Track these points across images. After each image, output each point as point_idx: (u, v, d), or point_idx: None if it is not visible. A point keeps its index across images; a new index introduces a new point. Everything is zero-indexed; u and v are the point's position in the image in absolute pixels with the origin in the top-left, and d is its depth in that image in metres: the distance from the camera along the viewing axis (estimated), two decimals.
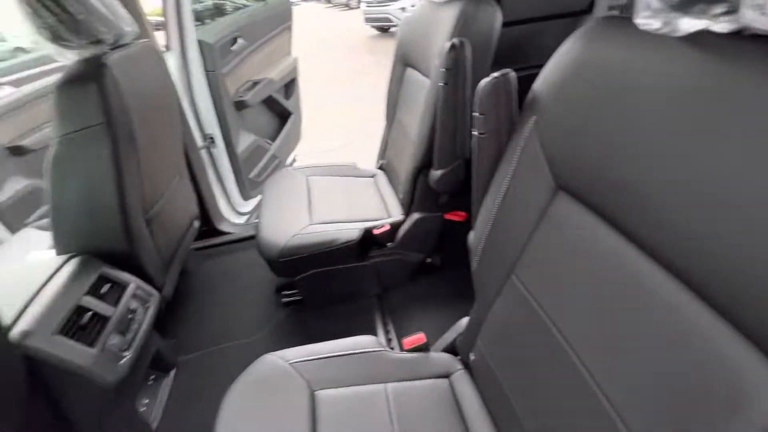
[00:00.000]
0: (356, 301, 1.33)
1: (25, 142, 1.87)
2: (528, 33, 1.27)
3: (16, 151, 1.86)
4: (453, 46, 0.87)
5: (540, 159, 0.56)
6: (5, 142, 1.82)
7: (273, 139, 2.18)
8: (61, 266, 0.93)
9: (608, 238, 0.46)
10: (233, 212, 1.97)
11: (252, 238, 1.79)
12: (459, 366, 0.81)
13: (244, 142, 1.94)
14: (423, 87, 1.17)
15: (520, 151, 0.60)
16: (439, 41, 1.02)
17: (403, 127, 1.33)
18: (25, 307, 0.81)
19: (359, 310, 1.31)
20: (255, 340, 1.29)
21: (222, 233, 1.82)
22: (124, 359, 0.89)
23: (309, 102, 2.54)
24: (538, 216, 0.57)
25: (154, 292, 1.08)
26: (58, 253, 1.00)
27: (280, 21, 2.16)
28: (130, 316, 0.96)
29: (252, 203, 2.10)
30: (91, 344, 0.83)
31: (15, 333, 0.75)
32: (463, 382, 0.77)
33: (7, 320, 0.75)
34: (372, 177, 1.56)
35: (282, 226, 1.22)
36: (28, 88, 1.99)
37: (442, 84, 0.92)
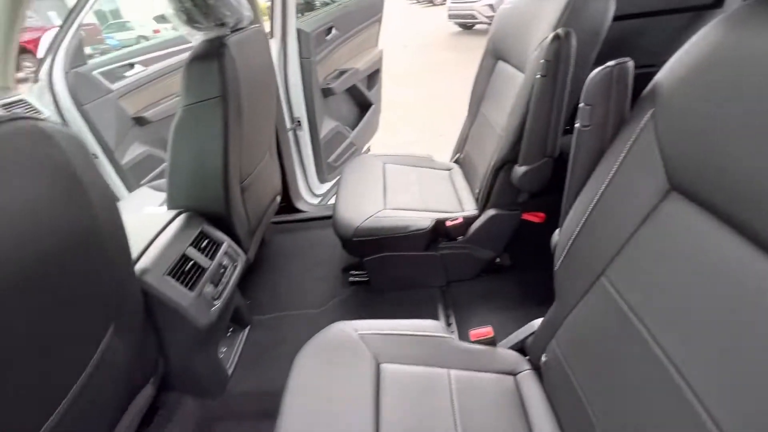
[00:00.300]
0: (420, 290, 1.35)
1: (147, 114, 2.16)
2: (636, 29, 1.17)
3: (139, 121, 2.15)
4: (557, 37, 0.84)
5: (654, 155, 0.52)
6: (132, 113, 2.12)
7: (352, 127, 2.27)
8: (172, 220, 1.07)
9: (732, 246, 0.42)
10: (310, 193, 2.09)
11: (324, 218, 1.90)
12: (527, 366, 0.79)
13: (327, 127, 2.05)
14: (514, 80, 1.13)
15: (630, 147, 0.56)
16: (540, 33, 0.98)
17: (487, 121, 1.31)
18: (144, 250, 0.95)
19: (422, 299, 1.32)
20: (321, 311, 1.37)
21: (298, 211, 1.95)
22: (215, 307, 1.00)
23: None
24: (643, 216, 0.53)
25: (241, 253, 1.19)
26: (169, 208, 1.14)
27: (371, 13, 2.23)
28: (221, 270, 1.08)
29: (326, 186, 2.21)
30: (190, 288, 0.95)
31: (136, 269, 0.88)
32: (530, 383, 0.75)
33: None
34: (447, 170, 1.55)
35: (358, 207, 1.28)
36: (151, 69, 2.29)
37: (539, 76, 0.89)
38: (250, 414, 1.07)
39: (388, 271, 1.32)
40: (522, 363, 0.80)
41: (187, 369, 1.04)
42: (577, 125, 0.63)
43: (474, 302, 1.30)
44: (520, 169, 1.03)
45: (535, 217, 1.18)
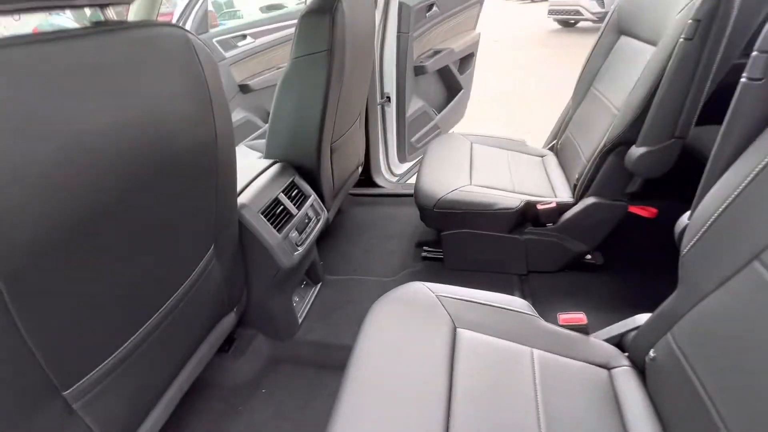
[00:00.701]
0: (496, 275, 1.28)
1: (251, 82, 2.33)
2: None
3: (243, 89, 2.33)
4: None
5: None
6: (238, 81, 2.31)
7: (439, 110, 2.23)
8: (268, 167, 1.14)
9: None
10: (389, 170, 2.10)
11: (402, 196, 1.89)
12: (625, 362, 0.70)
13: (414, 106, 2.03)
14: (642, 55, 1.00)
15: None
16: None
17: (600, 100, 1.18)
18: (243, 188, 1.02)
19: (498, 284, 1.25)
20: (392, 280, 1.37)
21: (375, 185, 1.97)
22: (297, 252, 1.04)
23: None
24: None
25: (324, 210, 1.23)
26: (266, 157, 1.21)
27: None
28: (306, 220, 1.12)
29: (406, 166, 2.20)
30: (278, 230, 1.00)
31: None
32: (628, 379, 0.66)
33: None
34: (540, 157, 1.45)
35: (442, 179, 1.24)
36: (258, 41, 2.47)
37: (683, 38, 0.77)
38: (315, 362, 1.11)
39: (466, 249, 1.27)
40: (619, 358, 0.70)
41: (265, 307, 1.10)
42: (743, 79, 0.53)
43: (555, 297, 1.20)
44: (637, 151, 0.91)
45: (644, 212, 1.05)
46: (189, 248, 0.71)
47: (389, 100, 1.92)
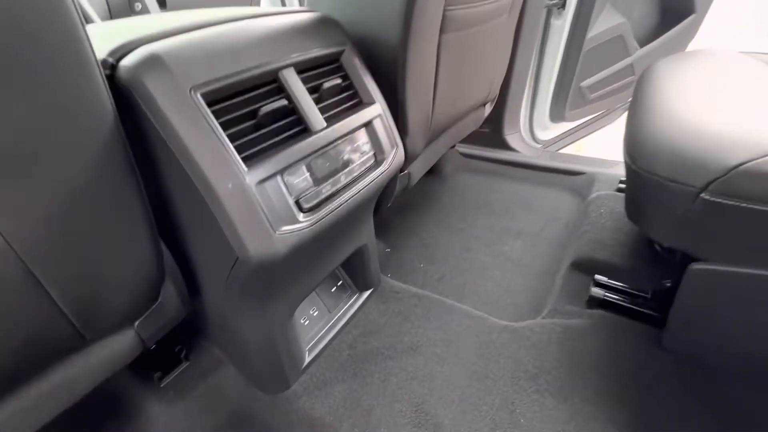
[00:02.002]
0: None
1: None
2: None
3: None
4: None
5: None
6: None
7: (642, 41, 1.31)
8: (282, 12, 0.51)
9: None
10: (529, 129, 1.32)
11: (549, 170, 1.11)
12: None
13: (605, 23, 1.18)
14: None
15: None
16: None
17: None
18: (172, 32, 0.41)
19: None
20: (512, 328, 0.66)
21: (504, 147, 1.22)
22: (299, 226, 0.41)
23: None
24: None
25: (400, 147, 0.56)
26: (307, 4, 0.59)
27: None
28: (344, 157, 0.47)
29: (556, 131, 1.39)
30: (250, 159, 0.37)
31: None
32: None
33: None
34: None
35: (718, 134, 0.45)
36: None
37: None
38: None
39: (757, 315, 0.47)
40: None
41: (226, 326, 0.52)
42: None
43: None
44: None
45: None
46: None
47: (563, 4, 1.11)
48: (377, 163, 0.51)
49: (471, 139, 1.19)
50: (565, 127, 1.39)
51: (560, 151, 1.32)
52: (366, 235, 0.64)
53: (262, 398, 0.58)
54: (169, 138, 0.34)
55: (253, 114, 0.40)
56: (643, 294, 0.62)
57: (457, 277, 0.81)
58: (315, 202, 0.43)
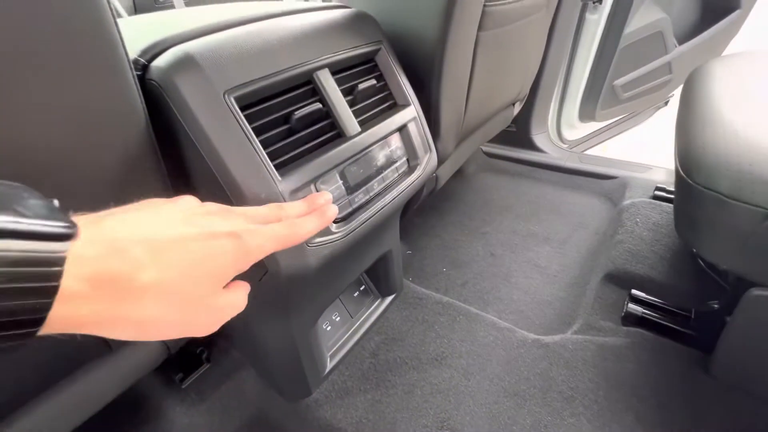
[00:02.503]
0: None
1: None
2: None
3: None
4: None
5: None
6: None
7: (681, 39, 1.25)
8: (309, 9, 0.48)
9: None
10: (556, 128, 1.27)
11: (577, 173, 1.07)
12: None
13: (642, 18, 1.11)
14: None
15: None
16: None
17: None
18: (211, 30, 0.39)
19: None
20: (543, 343, 0.63)
21: (530, 146, 1.18)
22: (335, 237, 0.39)
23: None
24: None
25: (434, 151, 0.53)
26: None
27: None
28: (376, 164, 0.45)
29: (584, 130, 1.33)
30: (283, 167, 0.35)
31: None
32: None
33: None
34: None
35: None
36: None
37: None
38: None
39: None
40: None
41: (249, 334, 0.50)
42: None
43: None
44: None
45: None
46: None
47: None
48: (410, 169, 0.49)
49: (496, 138, 1.15)
50: (593, 126, 1.34)
51: (588, 152, 1.27)
52: (392, 240, 0.62)
53: (283, 404, 0.56)
54: (201, 143, 0.32)
55: (286, 118, 0.37)
56: (684, 313, 0.58)
57: (482, 283, 0.78)
58: (348, 211, 0.41)
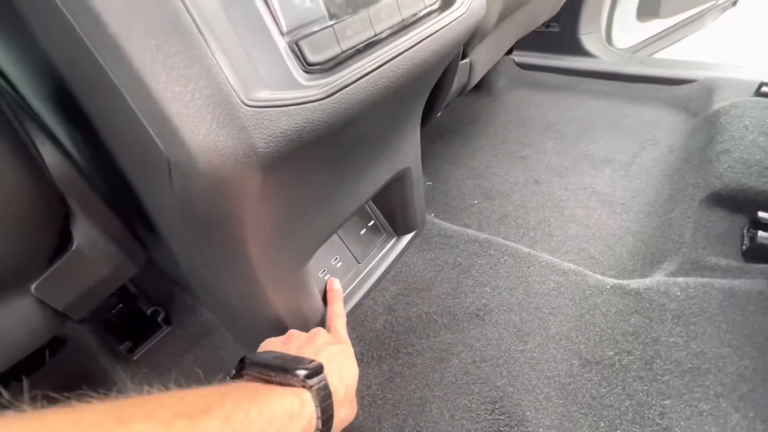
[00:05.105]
0: None
1: None
2: None
3: None
4: None
5: None
6: None
7: None
8: None
9: None
10: (605, 32, 1.01)
11: (633, 79, 0.83)
12: None
13: None
14: None
15: None
16: None
17: None
18: None
19: None
20: (609, 286, 0.46)
21: (571, 52, 0.93)
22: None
23: None
24: None
25: None
26: None
27: None
28: None
29: (640, 35, 1.07)
30: None
31: None
32: None
33: None
34: None
35: None
36: None
37: None
38: None
39: None
40: None
41: (195, 271, 0.33)
42: None
43: None
44: None
45: None
46: None
47: None
48: (446, 3, 0.28)
49: (531, 43, 0.92)
50: (649, 30, 1.07)
51: (654, 55, 1.02)
52: (411, 153, 0.43)
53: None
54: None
55: None
56: None
57: (525, 216, 0.60)
58: (332, 52, 0.21)
